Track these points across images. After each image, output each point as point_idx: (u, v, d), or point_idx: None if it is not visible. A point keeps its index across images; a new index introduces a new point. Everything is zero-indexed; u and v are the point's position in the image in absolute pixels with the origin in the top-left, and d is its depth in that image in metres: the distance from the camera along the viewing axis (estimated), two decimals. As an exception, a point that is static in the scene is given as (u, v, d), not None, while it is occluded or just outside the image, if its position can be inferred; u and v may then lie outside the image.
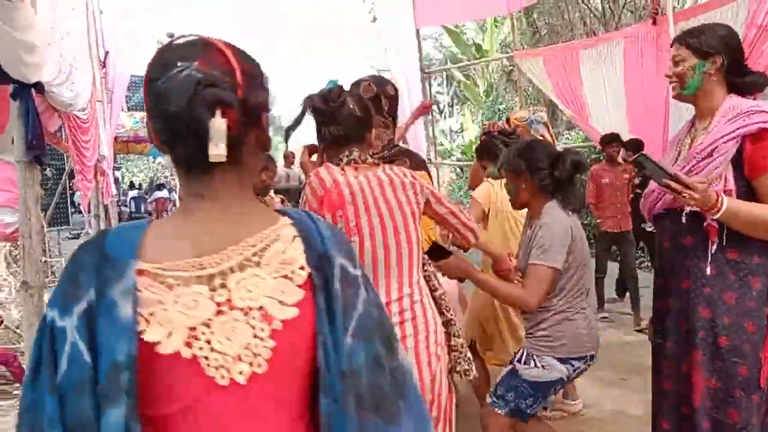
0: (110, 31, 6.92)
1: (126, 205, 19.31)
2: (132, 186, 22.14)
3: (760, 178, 1.80)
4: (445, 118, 21.73)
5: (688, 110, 5.50)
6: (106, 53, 6.71)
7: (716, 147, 1.85)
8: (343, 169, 1.82)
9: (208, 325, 0.83)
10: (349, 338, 0.88)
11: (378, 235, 1.76)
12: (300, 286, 0.88)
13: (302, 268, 0.90)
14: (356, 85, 2.15)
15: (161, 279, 0.84)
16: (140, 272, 0.83)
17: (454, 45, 17.10)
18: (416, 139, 9.26)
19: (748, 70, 1.95)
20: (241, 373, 0.83)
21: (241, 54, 0.91)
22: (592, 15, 10.87)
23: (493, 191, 3.38)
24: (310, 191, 1.78)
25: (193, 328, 0.82)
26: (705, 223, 1.85)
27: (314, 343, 0.87)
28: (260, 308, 0.85)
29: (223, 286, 0.85)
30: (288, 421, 0.88)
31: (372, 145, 1.98)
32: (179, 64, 0.86)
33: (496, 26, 15.14)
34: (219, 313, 0.84)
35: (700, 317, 1.89)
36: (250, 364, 0.84)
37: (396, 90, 2.34)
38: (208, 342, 0.82)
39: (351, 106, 1.85)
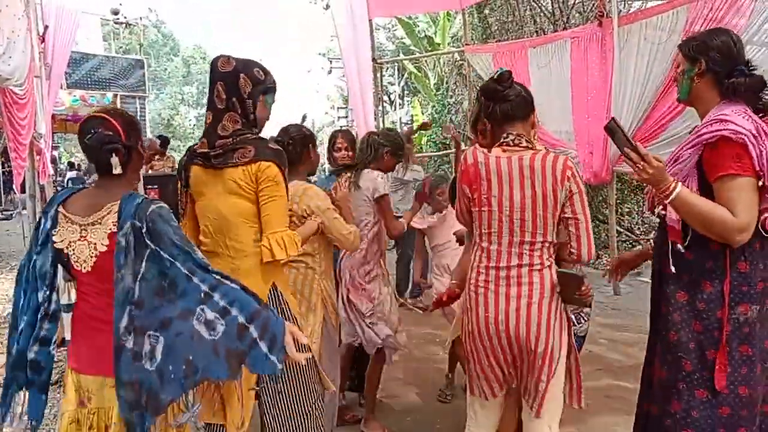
0: (51, 5, 6.63)
1: (64, 186, 18.61)
2: (71, 166, 21.32)
3: (714, 183, 1.85)
4: (395, 109, 21.81)
5: (627, 110, 5.69)
6: (45, 27, 6.43)
7: (680, 154, 1.93)
8: (489, 150, 2.14)
9: (75, 243, 1.81)
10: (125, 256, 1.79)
11: (506, 209, 2.07)
12: (110, 234, 1.78)
13: (114, 224, 1.78)
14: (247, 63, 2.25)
15: (64, 217, 1.84)
16: (57, 211, 1.85)
17: (407, 36, 17.15)
18: (367, 130, 9.27)
19: (738, 73, 1.91)
20: (85, 267, 1.81)
21: (123, 120, 1.89)
22: (542, 14, 11.09)
23: None
24: (462, 164, 2.17)
25: (70, 242, 1.82)
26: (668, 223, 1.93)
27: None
28: (94, 242, 1.80)
29: (84, 230, 1.82)
30: (107, 293, 1.79)
31: (534, 124, 2.22)
32: (92, 130, 1.83)
33: (448, 20, 15.26)
34: (80, 239, 1.81)
35: (661, 312, 2.03)
36: (90, 263, 1.80)
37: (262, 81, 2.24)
38: (74, 251, 1.81)
39: (518, 88, 2.17)
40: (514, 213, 2.05)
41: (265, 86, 2.22)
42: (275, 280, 2.24)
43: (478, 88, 2.35)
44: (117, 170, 1.81)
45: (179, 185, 2.35)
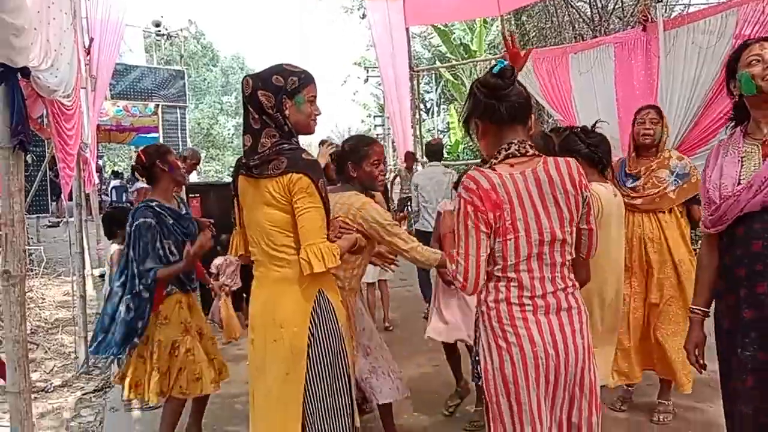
0: (95, 18, 6.80)
1: (107, 194, 19.06)
2: (116, 175, 21.87)
3: None
4: (432, 116, 21.77)
5: (674, 117, 5.52)
6: (91, 40, 6.59)
7: None
8: (493, 169, 1.86)
9: None
10: None
11: (534, 232, 1.84)
12: None
13: None
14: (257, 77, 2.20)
15: None
16: None
17: (443, 44, 17.13)
18: (404, 137, 9.26)
19: None
20: None
21: (148, 150, 3.15)
22: (581, 20, 10.93)
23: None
24: (466, 191, 1.83)
25: None
26: None
27: None
28: None
29: None
30: None
31: (532, 128, 1.97)
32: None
33: (485, 27, 15.19)
34: None
35: None
36: None
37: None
38: None
39: (519, 87, 1.89)
40: (544, 235, 1.85)
41: (285, 91, 2.14)
42: (321, 286, 2.21)
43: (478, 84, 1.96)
44: (142, 182, 3.06)
45: (233, 195, 2.36)
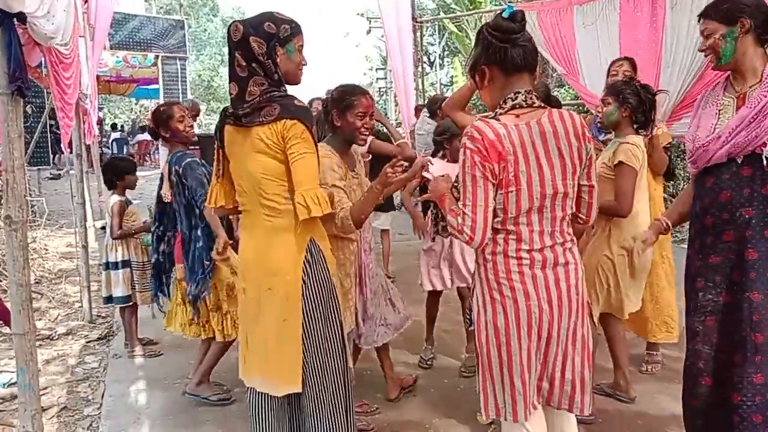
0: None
1: (108, 147, 19.00)
2: (114, 128, 21.74)
3: None
4: (435, 70, 21.46)
5: (678, 71, 5.45)
6: (89, -13, 6.47)
7: None
8: (498, 119, 1.83)
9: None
10: None
11: (536, 185, 1.82)
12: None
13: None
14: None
15: None
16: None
17: (448, -5, 16.76)
18: (407, 91, 9.16)
19: None
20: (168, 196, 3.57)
21: (153, 114, 3.47)
22: (588, -30, 10.67)
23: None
24: (472, 141, 1.81)
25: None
26: None
27: None
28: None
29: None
30: None
31: (537, 77, 1.97)
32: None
33: (490, -23, 14.84)
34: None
35: (753, 260, 2.03)
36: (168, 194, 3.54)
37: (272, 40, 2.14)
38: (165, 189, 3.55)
39: (528, 33, 1.87)
40: (546, 188, 1.83)
41: (278, 38, 2.11)
42: (312, 235, 2.21)
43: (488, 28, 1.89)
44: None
45: (216, 145, 2.33)
